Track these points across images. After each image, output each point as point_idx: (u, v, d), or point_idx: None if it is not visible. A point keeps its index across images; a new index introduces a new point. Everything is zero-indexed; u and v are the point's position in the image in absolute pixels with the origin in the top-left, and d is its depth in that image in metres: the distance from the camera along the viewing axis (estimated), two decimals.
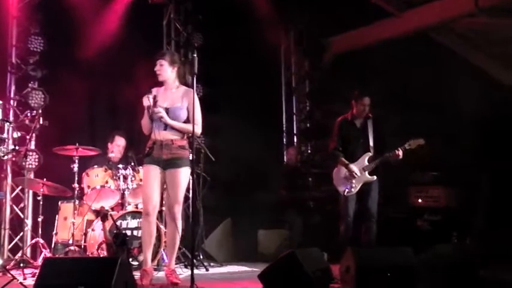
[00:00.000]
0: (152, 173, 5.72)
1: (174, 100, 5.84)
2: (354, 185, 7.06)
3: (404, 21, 9.21)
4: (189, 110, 5.74)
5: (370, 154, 7.13)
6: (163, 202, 6.35)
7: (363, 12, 9.13)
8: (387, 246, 5.71)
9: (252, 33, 9.30)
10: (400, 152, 6.94)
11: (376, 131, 7.20)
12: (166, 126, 5.77)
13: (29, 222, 8.21)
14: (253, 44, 9.39)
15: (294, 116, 10.97)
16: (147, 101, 5.69)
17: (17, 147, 7.25)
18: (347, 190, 7.05)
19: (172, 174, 5.77)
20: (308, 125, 10.66)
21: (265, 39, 9.56)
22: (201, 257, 7.90)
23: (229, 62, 9.36)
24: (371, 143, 7.15)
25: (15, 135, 7.34)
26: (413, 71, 8.55)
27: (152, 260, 6.26)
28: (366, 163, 7.10)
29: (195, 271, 5.26)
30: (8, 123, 7.02)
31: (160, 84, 6.00)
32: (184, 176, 5.78)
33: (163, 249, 7.04)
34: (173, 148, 5.78)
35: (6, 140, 7.08)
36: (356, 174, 7.02)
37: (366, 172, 7.07)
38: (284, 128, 10.99)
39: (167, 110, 5.79)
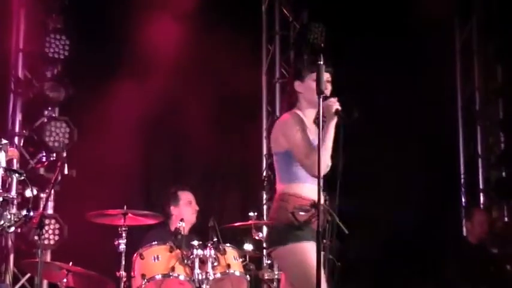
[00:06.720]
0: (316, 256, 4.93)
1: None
2: None
3: None
4: None
5: None
6: None
7: None
8: None
9: (405, 23, 8.20)
10: None
11: None
12: None
13: None
14: (407, 40, 8.30)
15: (479, 159, 9.39)
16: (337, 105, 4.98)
17: (31, 213, 5.37)
18: None
19: None
20: (504, 173, 9.16)
21: (427, 33, 8.32)
22: None
23: (369, 70, 8.16)
24: None
25: (28, 193, 5.96)
26: None
27: None
28: None
29: None
30: (17, 175, 5.51)
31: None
32: None
33: None
34: None
35: (15, 202, 5.78)
36: None
37: None
38: (462, 179, 9.30)
39: None
